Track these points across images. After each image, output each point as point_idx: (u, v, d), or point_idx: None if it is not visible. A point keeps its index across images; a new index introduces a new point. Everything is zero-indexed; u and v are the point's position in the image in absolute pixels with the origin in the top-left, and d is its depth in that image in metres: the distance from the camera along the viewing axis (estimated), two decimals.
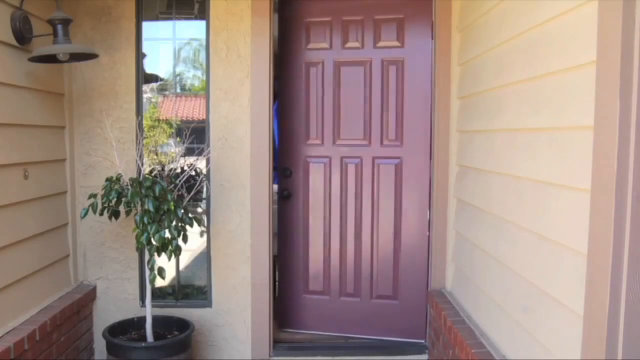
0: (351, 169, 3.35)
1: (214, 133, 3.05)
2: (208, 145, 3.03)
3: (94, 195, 2.56)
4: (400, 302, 3.36)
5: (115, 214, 2.61)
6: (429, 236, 3.20)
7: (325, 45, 3.31)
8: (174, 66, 3.21)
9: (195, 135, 2.97)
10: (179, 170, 2.86)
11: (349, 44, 3.28)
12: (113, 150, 2.80)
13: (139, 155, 2.80)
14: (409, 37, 3.21)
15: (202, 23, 3.07)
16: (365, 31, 3.24)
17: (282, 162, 3.44)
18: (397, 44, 3.23)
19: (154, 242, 2.50)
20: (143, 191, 2.50)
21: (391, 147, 3.30)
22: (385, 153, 3.31)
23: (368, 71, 3.27)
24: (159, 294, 3.17)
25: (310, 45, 3.32)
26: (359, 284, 3.39)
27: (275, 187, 3.50)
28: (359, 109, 3.29)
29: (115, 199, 2.54)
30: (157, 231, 2.48)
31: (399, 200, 3.30)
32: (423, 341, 3.29)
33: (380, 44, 3.24)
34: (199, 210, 3.18)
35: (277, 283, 3.52)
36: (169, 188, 2.59)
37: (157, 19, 3.19)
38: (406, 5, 3.20)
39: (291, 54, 3.35)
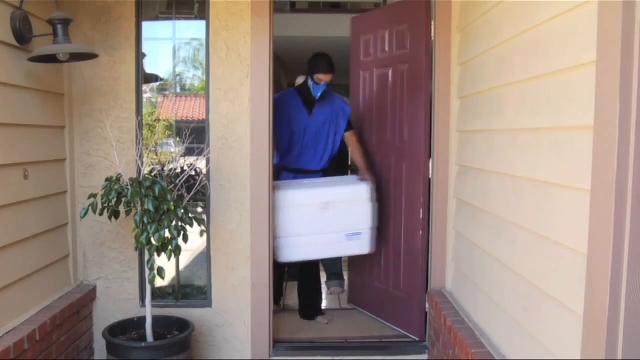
0: (385, 167, 3.64)
1: (214, 133, 3.05)
2: (208, 145, 3.03)
3: (94, 195, 2.56)
4: (406, 297, 3.44)
5: (115, 214, 2.61)
6: (421, 235, 3.22)
7: (370, 55, 3.73)
8: (174, 66, 3.21)
9: (195, 135, 2.97)
10: (179, 170, 2.86)
11: (381, 54, 3.62)
12: (113, 150, 2.80)
13: (139, 155, 2.80)
14: (413, 40, 3.31)
15: (202, 23, 3.07)
16: (388, 41, 3.54)
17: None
18: (406, 48, 3.37)
19: (153, 242, 2.50)
20: (143, 191, 2.50)
21: (401, 146, 3.47)
22: (397, 152, 3.49)
23: (390, 76, 3.55)
24: (159, 294, 3.17)
25: (363, 56, 3.78)
26: (383, 273, 3.68)
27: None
28: (386, 110, 3.60)
29: (115, 199, 2.54)
30: (157, 231, 2.48)
31: (403, 198, 3.45)
32: (417, 339, 3.30)
33: (397, 50, 3.46)
34: (199, 210, 3.18)
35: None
36: (169, 188, 2.59)
37: (157, 19, 3.19)
38: (411, 10, 3.31)
39: (356, 64, 3.87)
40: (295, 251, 3.21)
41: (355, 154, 3.63)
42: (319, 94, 3.46)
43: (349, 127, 3.63)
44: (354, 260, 3.92)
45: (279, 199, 3.15)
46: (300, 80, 4.54)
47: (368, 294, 3.84)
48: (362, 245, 3.29)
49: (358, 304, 3.94)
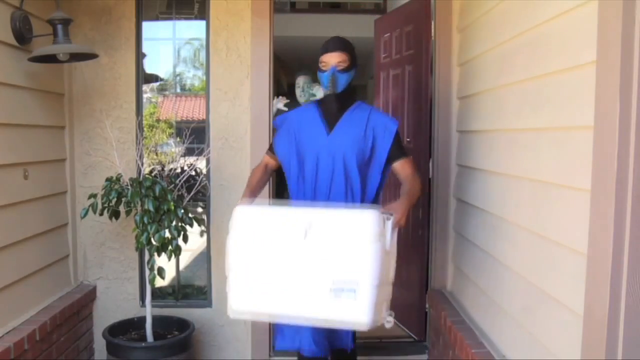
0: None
1: (214, 133, 3.05)
2: (208, 145, 3.03)
3: (94, 195, 2.56)
4: (406, 296, 3.44)
5: (115, 214, 2.61)
6: (421, 235, 3.22)
7: (387, 56, 3.74)
8: (174, 66, 3.21)
9: (195, 135, 2.97)
10: (179, 170, 2.86)
11: (395, 55, 3.62)
12: (113, 150, 2.80)
13: (139, 155, 2.80)
14: (415, 41, 3.33)
15: (202, 23, 3.07)
16: (399, 42, 3.57)
17: None
18: (411, 49, 3.39)
19: (154, 242, 2.50)
20: (143, 191, 2.50)
21: (407, 146, 3.45)
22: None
23: (399, 76, 3.57)
24: (159, 294, 3.17)
25: (382, 58, 3.82)
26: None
27: None
28: (396, 111, 3.62)
29: (115, 199, 2.54)
30: (157, 231, 2.48)
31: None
32: (417, 339, 3.30)
33: (405, 51, 3.49)
34: (199, 210, 3.17)
35: None
36: (169, 188, 2.59)
37: (157, 19, 3.19)
38: (414, 10, 3.33)
39: (377, 66, 3.89)
40: (247, 299, 1.95)
41: (405, 186, 2.27)
42: (327, 83, 2.28)
43: (399, 153, 2.33)
44: None
45: (233, 220, 1.99)
46: (300, 80, 4.53)
47: None
48: (355, 310, 1.85)
49: None
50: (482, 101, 2.54)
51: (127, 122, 3.03)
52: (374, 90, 4.11)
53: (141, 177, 2.61)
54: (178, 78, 3.26)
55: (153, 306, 2.73)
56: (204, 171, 3.00)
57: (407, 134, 3.48)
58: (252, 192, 2.35)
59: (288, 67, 6.81)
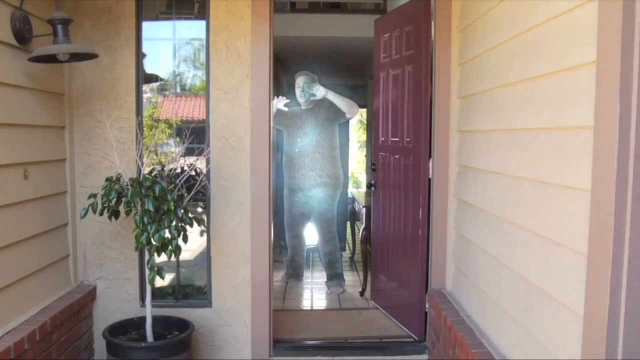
0: (394, 165, 3.71)
1: (214, 133, 3.05)
2: (208, 145, 3.03)
3: (94, 195, 2.56)
4: (406, 296, 3.43)
5: (115, 214, 2.61)
6: (421, 235, 3.22)
7: (387, 56, 3.76)
8: (174, 66, 3.21)
9: (195, 135, 2.97)
10: (179, 170, 2.86)
11: (395, 55, 3.65)
12: (113, 150, 2.80)
13: (139, 155, 2.80)
14: (415, 41, 3.34)
15: (202, 23, 3.07)
16: (399, 42, 3.59)
17: (373, 158, 4.09)
18: (411, 49, 3.41)
19: (153, 242, 2.50)
20: (143, 191, 2.50)
21: (403, 146, 3.53)
22: (403, 152, 3.54)
23: (399, 76, 3.59)
24: (159, 294, 3.17)
25: (382, 57, 3.83)
26: (386, 273, 3.82)
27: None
28: (396, 110, 3.66)
29: (115, 199, 2.54)
30: (157, 231, 2.48)
31: (406, 197, 3.50)
32: (417, 339, 3.30)
33: (405, 51, 3.51)
34: (199, 210, 3.18)
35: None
36: (169, 188, 2.59)
37: (157, 19, 3.19)
38: (414, 10, 3.35)
39: (377, 66, 3.90)
40: None
41: None
42: None
43: None
44: (372, 254, 4.11)
45: None
46: (300, 80, 4.53)
47: (380, 293, 3.94)
48: None
49: (375, 301, 4.06)
50: (482, 101, 2.54)
51: (127, 122, 3.03)
52: (373, 90, 4.10)
53: (141, 177, 2.61)
54: (178, 78, 3.26)
55: (153, 306, 2.73)
56: (204, 171, 3.00)
57: (407, 134, 3.49)
58: None
59: (288, 67, 6.81)
